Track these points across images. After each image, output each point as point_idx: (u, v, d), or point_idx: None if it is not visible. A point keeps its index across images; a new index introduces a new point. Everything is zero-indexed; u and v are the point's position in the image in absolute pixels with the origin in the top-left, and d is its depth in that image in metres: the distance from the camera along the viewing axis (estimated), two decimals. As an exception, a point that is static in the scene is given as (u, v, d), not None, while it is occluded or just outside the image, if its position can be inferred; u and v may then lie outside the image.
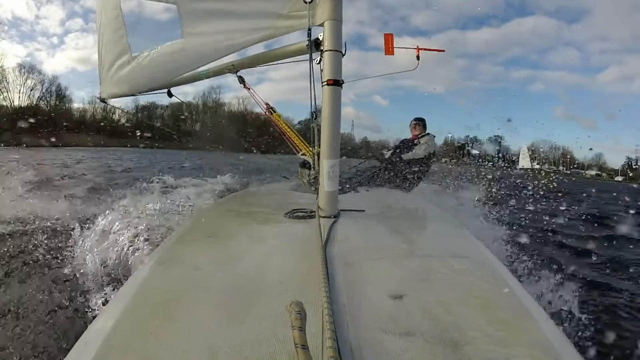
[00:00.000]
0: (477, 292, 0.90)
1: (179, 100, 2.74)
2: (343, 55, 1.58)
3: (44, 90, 36.89)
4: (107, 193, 3.59)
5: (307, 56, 1.63)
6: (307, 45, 1.61)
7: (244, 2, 1.76)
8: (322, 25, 1.58)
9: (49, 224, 3.34)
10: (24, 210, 3.71)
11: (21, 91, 35.79)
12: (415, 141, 3.68)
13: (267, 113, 2.69)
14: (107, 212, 2.81)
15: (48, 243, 2.77)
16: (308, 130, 2.25)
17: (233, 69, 2.10)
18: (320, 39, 1.59)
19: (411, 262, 1.12)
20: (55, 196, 4.57)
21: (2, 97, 34.58)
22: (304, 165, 2.43)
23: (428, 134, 3.71)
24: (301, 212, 1.58)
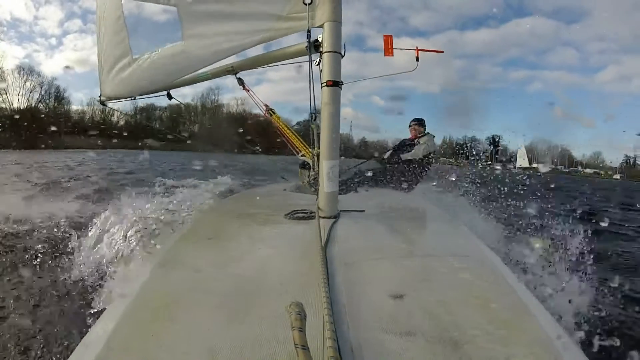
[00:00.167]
0: (478, 291, 0.90)
1: (179, 102, 2.74)
2: (342, 56, 1.58)
3: (42, 92, 36.98)
4: (114, 194, 3.63)
5: (306, 57, 1.64)
6: (306, 46, 1.62)
7: (244, 4, 1.77)
8: (321, 26, 1.58)
9: (63, 222, 3.36)
10: (38, 211, 3.76)
11: (20, 93, 35.88)
12: (415, 141, 3.69)
13: (266, 114, 2.70)
14: (110, 212, 2.82)
15: (56, 244, 2.78)
16: (306, 131, 2.25)
17: (232, 70, 2.10)
18: (320, 41, 1.59)
19: (411, 262, 1.13)
20: (66, 197, 4.63)
21: (0, 99, 34.61)
22: (304, 166, 2.44)
23: (427, 133, 3.71)
24: (301, 212, 1.58)
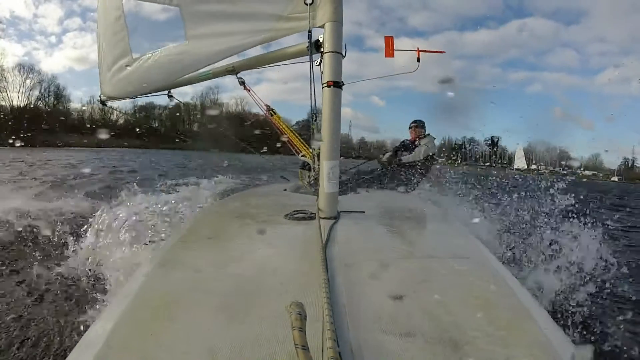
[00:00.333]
0: (477, 292, 0.90)
1: (179, 102, 2.75)
2: (343, 56, 1.58)
3: (42, 90, 37.02)
4: (119, 191, 3.67)
5: (307, 57, 1.64)
6: (307, 46, 1.62)
7: (246, 5, 1.77)
8: (322, 26, 1.58)
9: (71, 217, 3.37)
10: (48, 207, 3.79)
11: (20, 91, 35.90)
12: (416, 142, 3.69)
13: (267, 114, 2.70)
14: (112, 210, 2.83)
15: (59, 242, 2.79)
16: (305, 130, 2.25)
17: (233, 70, 2.10)
18: (321, 41, 1.59)
19: (411, 263, 1.13)
20: (74, 194, 4.67)
21: (0, 96, 34.63)
22: (304, 166, 2.44)
23: (428, 135, 3.72)
24: (301, 213, 1.58)
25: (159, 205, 3.07)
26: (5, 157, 12.06)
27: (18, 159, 12.00)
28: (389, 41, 2.03)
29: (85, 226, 2.75)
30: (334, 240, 1.23)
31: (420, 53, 2.23)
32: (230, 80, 2.21)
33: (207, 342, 0.68)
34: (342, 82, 1.56)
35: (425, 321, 0.75)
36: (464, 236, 1.50)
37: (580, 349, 0.78)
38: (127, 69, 2.15)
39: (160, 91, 2.38)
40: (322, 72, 1.59)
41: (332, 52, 1.54)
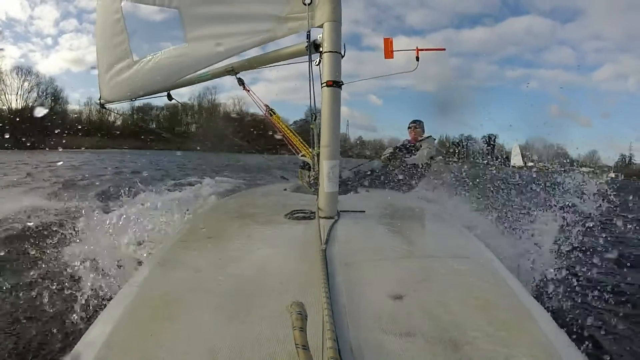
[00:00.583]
0: (478, 292, 0.90)
1: (177, 103, 2.75)
2: (342, 56, 1.58)
3: (40, 93, 37.10)
4: (126, 191, 3.70)
5: (306, 57, 1.64)
6: (306, 46, 1.62)
7: (245, 6, 1.78)
8: (321, 26, 1.58)
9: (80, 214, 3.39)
10: (62, 206, 3.84)
11: (18, 93, 35.98)
12: (417, 144, 3.71)
13: (266, 114, 2.69)
14: (117, 211, 2.84)
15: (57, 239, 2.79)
16: (303, 130, 2.25)
17: (233, 71, 2.10)
18: (320, 40, 1.59)
19: (411, 263, 1.12)
20: (85, 195, 4.73)
21: (-1, 99, 34.70)
22: (304, 166, 2.43)
23: (429, 137, 3.75)
24: (301, 213, 1.58)
25: (162, 205, 3.09)
26: (7, 159, 12.12)
27: (20, 161, 12.06)
28: (388, 42, 2.02)
29: (89, 225, 2.76)
30: (334, 240, 1.23)
31: (420, 52, 2.22)
32: (227, 80, 2.22)
33: (207, 342, 0.68)
34: (342, 81, 1.56)
35: (425, 321, 0.75)
36: (464, 236, 1.50)
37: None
38: (128, 72, 2.15)
39: (159, 93, 2.38)
40: (321, 72, 1.59)
41: (331, 51, 1.54)
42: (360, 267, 1.04)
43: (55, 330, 1.72)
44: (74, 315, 1.83)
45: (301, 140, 2.55)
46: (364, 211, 1.71)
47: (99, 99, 2.50)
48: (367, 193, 2.87)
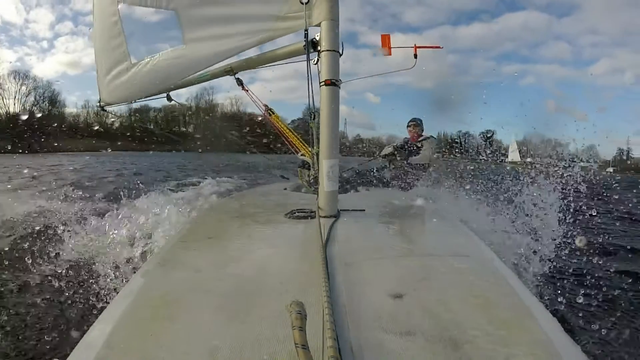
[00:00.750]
0: (478, 291, 0.89)
1: (177, 104, 2.74)
2: (340, 55, 1.58)
3: (37, 96, 37.26)
4: (132, 193, 3.73)
5: (304, 57, 1.63)
6: (304, 46, 1.61)
7: (242, 6, 1.77)
8: (319, 25, 1.58)
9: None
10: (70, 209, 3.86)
11: (16, 97, 36.14)
12: (419, 144, 3.72)
13: (265, 114, 2.69)
14: (114, 211, 2.84)
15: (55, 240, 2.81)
16: (300, 129, 2.25)
17: (231, 71, 2.10)
18: (317, 39, 1.59)
19: (411, 262, 1.12)
20: (95, 197, 4.75)
21: (-3, 103, 34.78)
22: (304, 165, 2.43)
23: (430, 136, 3.77)
24: (301, 212, 1.58)
25: (164, 205, 3.09)
26: (8, 163, 12.18)
27: (23, 165, 12.10)
28: (386, 39, 2.02)
29: (95, 226, 2.78)
30: (334, 239, 1.23)
31: (417, 49, 2.22)
32: (225, 80, 2.22)
33: (207, 342, 0.68)
34: (340, 80, 1.56)
35: (425, 320, 0.75)
36: (464, 234, 1.50)
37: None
38: (126, 75, 2.15)
39: (158, 94, 2.39)
40: (319, 71, 1.59)
41: (329, 50, 1.54)
42: (360, 266, 1.04)
43: (55, 331, 1.72)
44: (74, 315, 1.83)
45: (300, 139, 2.55)
46: (364, 210, 1.71)
47: (99, 102, 2.50)
48: (367, 192, 2.87)
